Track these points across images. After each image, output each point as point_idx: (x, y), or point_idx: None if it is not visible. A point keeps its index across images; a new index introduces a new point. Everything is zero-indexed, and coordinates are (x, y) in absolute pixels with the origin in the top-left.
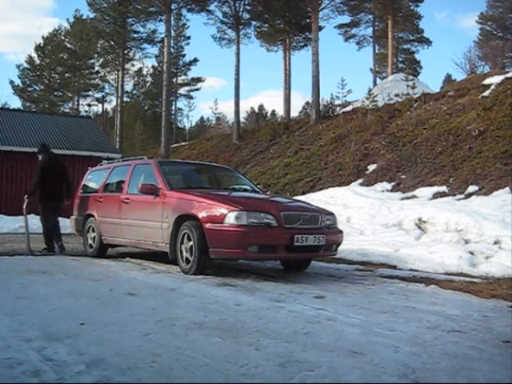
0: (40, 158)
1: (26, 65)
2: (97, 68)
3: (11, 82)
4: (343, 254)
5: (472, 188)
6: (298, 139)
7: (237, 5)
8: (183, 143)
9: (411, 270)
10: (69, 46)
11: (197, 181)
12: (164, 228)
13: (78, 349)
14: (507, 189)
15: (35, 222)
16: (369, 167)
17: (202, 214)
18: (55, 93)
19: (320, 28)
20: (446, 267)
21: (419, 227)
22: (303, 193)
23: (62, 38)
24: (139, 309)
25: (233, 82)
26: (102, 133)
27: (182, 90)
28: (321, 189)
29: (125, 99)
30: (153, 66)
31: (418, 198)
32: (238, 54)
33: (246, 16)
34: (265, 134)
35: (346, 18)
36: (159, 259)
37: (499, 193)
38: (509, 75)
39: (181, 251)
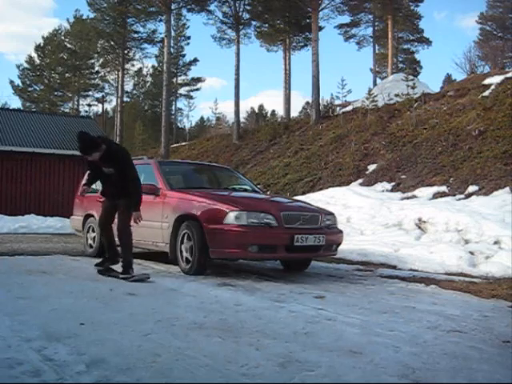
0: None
1: (26, 65)
2: (97, 68)
3: (11, 82)
4: (343, 254)
5: (472, 188)
6: (298, 139)
7: (237, 5)
8: (183, 143)
9: (411, 269)
10: (69, 46)
11: (197, 181)
12: (164, 228)
13: (78, 349)
14: (507, 189)
15: (35, 222)
16: (369, 167)
17: (202, 214)
18: (55, 93)
19: (320, 28)
20: (446, 267)
21: (419, 227)
22: (303, 193)
23: (62, 38)
24: (139, 309)
25: (233, 82)
26: (102, 133)
27: (182, 90)
28: (321, 189)
29: (125, 99)
30: (153, 66)
31: (418, 198)
32: (238, 54)
33: (246, 16)
34: (265, 134)
35: (346, 18)
36: (159, 259)
37: (499, 193)
38: (509, 75)
39: (181, 251)
